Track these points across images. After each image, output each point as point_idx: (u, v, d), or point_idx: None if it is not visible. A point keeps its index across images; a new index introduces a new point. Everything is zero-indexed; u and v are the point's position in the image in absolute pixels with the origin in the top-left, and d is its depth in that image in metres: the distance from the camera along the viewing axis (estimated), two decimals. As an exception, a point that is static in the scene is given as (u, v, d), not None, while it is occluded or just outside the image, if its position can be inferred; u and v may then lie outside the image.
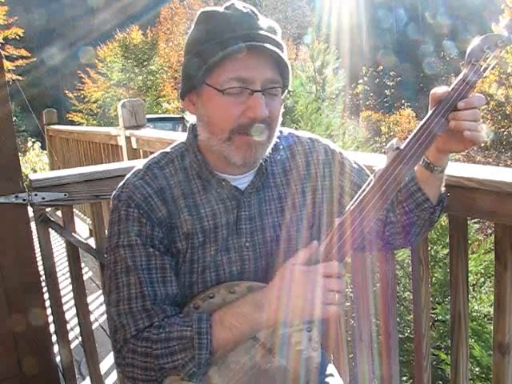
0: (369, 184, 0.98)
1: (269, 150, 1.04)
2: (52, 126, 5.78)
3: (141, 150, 3.11)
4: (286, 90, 1.04)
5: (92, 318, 2.46)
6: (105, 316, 2.83)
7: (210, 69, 0.95)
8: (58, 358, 1.77)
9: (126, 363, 0.96)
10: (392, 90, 25.32)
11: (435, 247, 2.50)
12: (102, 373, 1.87)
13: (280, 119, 1.04)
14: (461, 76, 1.01)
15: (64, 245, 2.00)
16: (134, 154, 3.23)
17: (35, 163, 9.33)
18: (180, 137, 1.22)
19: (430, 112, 1.01)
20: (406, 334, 2.42)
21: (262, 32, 0.96)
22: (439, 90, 1.01)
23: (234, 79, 0.94)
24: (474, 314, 2.34)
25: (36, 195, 1.60)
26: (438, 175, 1.05)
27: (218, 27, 0.96)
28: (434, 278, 2.47)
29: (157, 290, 0.98)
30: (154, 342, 0.93)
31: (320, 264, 0.93)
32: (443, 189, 1.10)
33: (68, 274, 1.80)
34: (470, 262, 2.34)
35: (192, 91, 1.02)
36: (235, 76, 0.94)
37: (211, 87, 0.97)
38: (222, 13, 0.98)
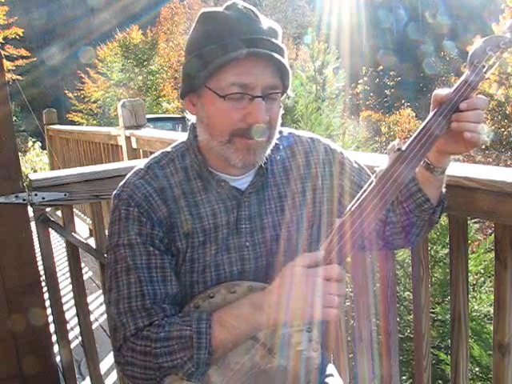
0: (369, 185, 0.98)
1: (268, 151, 1.04)
2: (52, 126, 5.78)
3: (141, 150, 3.11)
4: (286, 93, 1.04)
5: (92, 317, 2.47)
6: (105, 316, 2.83)
7: (211, 73, 0.95)
8: (58, 358, 1.77)
9: (126, 362, 0.97)
10: (392, 90, 25.34)
11: (435, 247, 2.50)
12: (102, 373, 1.87)
13: (279, 121, 1.04)
14: (463, 77, 1.01)
15: (64, 245, 1.99)
16: (133, 154, 3.23)
17: (35, 163, 9.34)
18: (180, 137, 1.22)
19: (431, 113, 1.01)
20: (406, 334, 2.42)
21: (263, 36, 0.95)
22: (441, 91, 1.01)
23: (235, 84, 0.94)
24: (474, 313, 2.34)
25: (36, 195, 1.60)
26: (438, 176, 1.05)
27: (219, 30, 0.96)
28: (433, 278, 2.47)
29: (156, 289, 0.99)
30: (153, 341, 0.94)
31: (321, 267, 0.92)
32: (444, 190, 1.09)
33: (68, 274, 1.80)
34: (469, 261, 2.34)
35: (192, 92, 1.02)
36: (236, 81, 0.94)
37: (212, 91, 0.96)
38: (222, 14, 0.98)
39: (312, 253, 0.94)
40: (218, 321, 0.94)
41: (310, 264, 0.92)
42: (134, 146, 3.16)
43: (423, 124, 1.00)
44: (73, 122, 15.13)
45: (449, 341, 1.53)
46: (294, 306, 0.90)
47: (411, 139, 0.99)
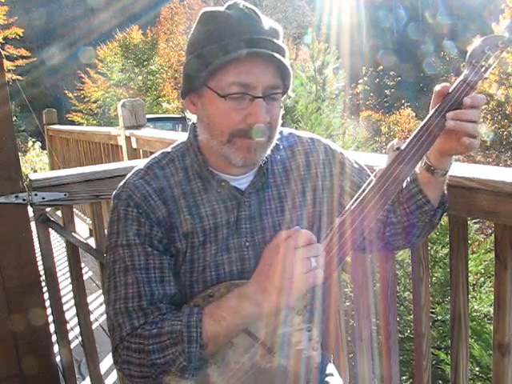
0: (369, 184, 0.98)
1: (269, 151, 1.04)
2: (52, 126, 5.78)
3: (141, 150, 3.11)
4: (286, 94, 1.04)
5: (92, 317, 2.47)
6: (105, 316, 2.82)
7: (212, 72, 0.95)
8: (57, 358, 1.77)
9: (122, 360, 0.97)
10: (392, 90, 25.36)
11: (435, 247, 2.50)
12: (102, 373, 1.87)
13: (280, 121, 1.04)
14: (461, 77, 1.01)
15: (64, 245, 1.99)
16: (133, 154, 3.23)
17: (35, 163, 9.34)
18: (180, 137, 1.22)
19: (430, 112, 1.01)
20: (406, 334, 2.42)
21: (264, 36, 0.95)
22: (441, 87, 1.00)
23: (236, 84, 0.94)
24: (474, 313, 2.34)
25: (36, 195, 1.60)
26: (439, 178, 1.04)
27: (220, 29, 0.95)
28: (433, 278, 2.47)
29: (154, 290, 0.99)
30: (146, 338, 0.94)
31: (289, 238, 0.92)
32: (446, 192, 1.09)
33: (68, 274, 1.80)
34: (470, 261, 2.34)
35: (193, 92, 1.02)
36: (237, 81, 0.94)
37: (212, 91, 0.96)
38: (223, 14, 0.97)
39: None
40: (208, 314, 0.94)
41: (280, 240, 0.93)
42: (134, 146, 3.16)
43: (422, 123, 1.00)
44: (73, 122, 15.14)
45: (449, 341, 1.53)
46: (279, 284, 0.90)
47: (410, 138, 1.00)
